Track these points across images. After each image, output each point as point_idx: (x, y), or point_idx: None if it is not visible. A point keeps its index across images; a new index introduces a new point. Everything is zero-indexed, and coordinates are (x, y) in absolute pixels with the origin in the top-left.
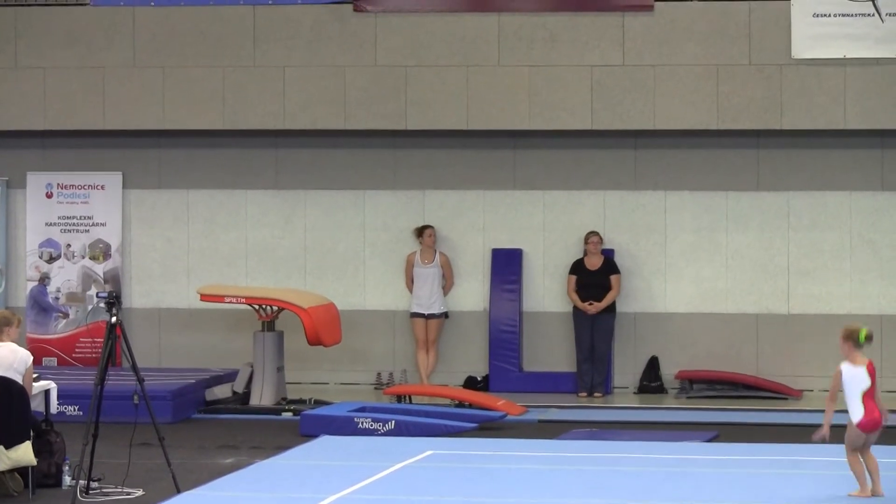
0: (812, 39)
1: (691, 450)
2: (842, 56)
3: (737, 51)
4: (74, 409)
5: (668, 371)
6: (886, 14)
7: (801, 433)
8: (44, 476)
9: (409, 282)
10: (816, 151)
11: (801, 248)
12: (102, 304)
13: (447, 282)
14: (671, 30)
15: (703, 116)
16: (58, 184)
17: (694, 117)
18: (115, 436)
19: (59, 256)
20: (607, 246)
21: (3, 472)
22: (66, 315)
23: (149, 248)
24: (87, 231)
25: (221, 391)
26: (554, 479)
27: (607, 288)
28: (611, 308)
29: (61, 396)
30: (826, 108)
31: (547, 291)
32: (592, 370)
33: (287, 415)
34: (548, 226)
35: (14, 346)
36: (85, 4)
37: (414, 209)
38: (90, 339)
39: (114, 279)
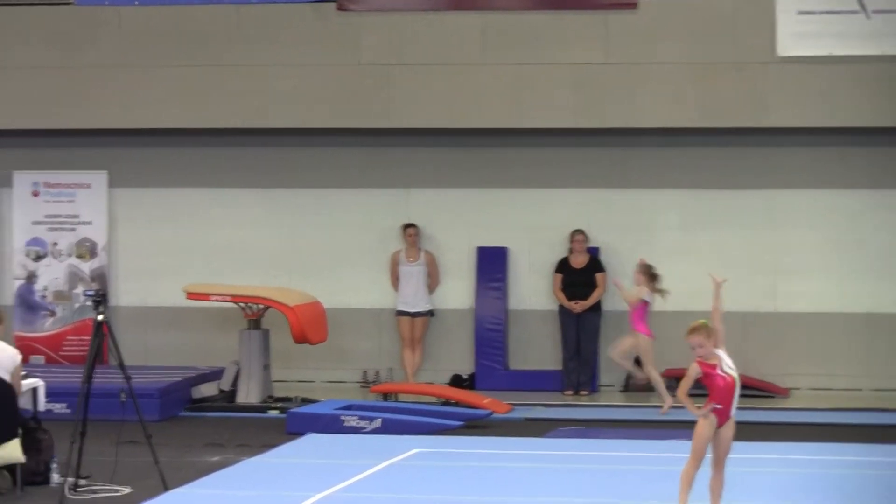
0: (797, 37)
1: (678, 448)
2: (827, 53)
3: (721, 49)
4: (62, 407)
5: None
6: (872, 11)
7: (788, 431)
8: (32, 474)
9: (395, 280)
10: (802, 149)
11: (787, 246)
12: (89, 302)
13: (432, 280)
14: (654, 28)
15: (687, 114)
16: (44, 182)
17: (677, 115)
18: (102, 433)
19: (45, 255)
20: (592, 244)
21: None
22: (53, 313)
23: (135, 246)
24: (74, 230)
25: (208, 389)
26: (539, 477)
27: (593, 286)
28: (596, 306)
29: (49, 394)
30: (811, 106)
31: (532, 290)
32: (578, 368)
33: (273, 413)
34: (533, 224)
35: (3, 344)
36: (69, 4)
37: (399, 207)
38: (77, 337)
39: (100, 277)
